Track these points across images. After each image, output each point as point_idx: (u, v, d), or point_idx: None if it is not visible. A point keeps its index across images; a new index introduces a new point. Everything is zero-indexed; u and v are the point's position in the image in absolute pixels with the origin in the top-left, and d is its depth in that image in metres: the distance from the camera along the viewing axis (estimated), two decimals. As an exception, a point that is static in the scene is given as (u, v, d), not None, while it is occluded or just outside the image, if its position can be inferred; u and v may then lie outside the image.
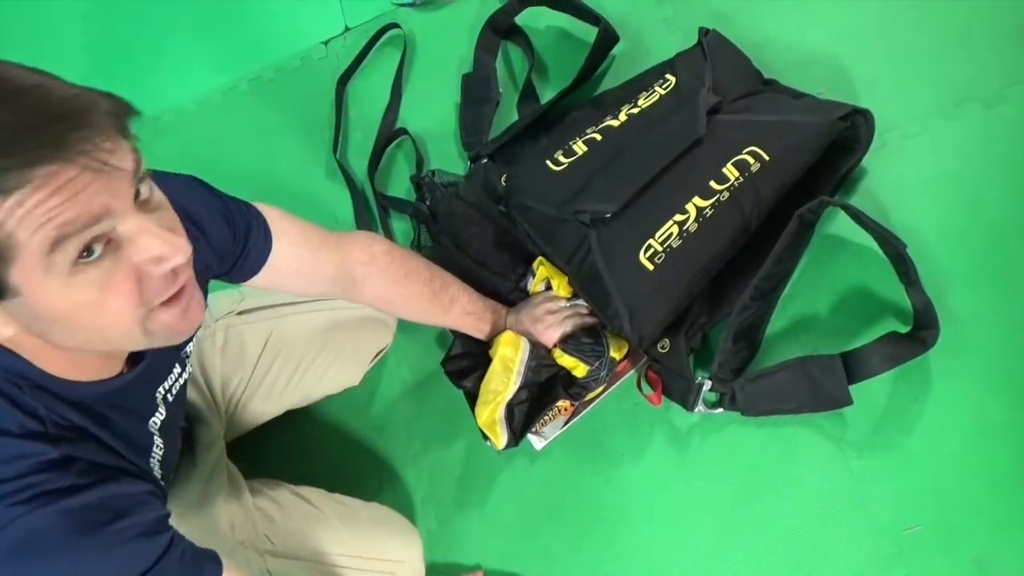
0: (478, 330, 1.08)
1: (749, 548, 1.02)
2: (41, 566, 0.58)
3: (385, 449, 1.21)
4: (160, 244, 0.55)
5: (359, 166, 1.40)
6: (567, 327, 1.06)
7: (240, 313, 1.09)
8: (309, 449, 1.23)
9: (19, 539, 0.57)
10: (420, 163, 1.34)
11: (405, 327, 1.22)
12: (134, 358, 0.71)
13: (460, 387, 1.11)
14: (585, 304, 1.09)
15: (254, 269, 0.84)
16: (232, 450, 1.07)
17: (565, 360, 1.05)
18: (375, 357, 1.18)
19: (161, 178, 0.60)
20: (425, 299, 1.00)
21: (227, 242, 0.80)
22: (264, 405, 1.11)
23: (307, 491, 1.05)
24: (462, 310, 1.04)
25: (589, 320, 1.08)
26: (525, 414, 1.06)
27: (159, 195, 0.58)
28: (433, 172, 1.27)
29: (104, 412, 0.66)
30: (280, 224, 0.85)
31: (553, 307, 1.08)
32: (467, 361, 1.12)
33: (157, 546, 0.65)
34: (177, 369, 0.81)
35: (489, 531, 1.12)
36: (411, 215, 1.29)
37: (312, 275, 0.90)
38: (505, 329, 1.08)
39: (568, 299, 1.10)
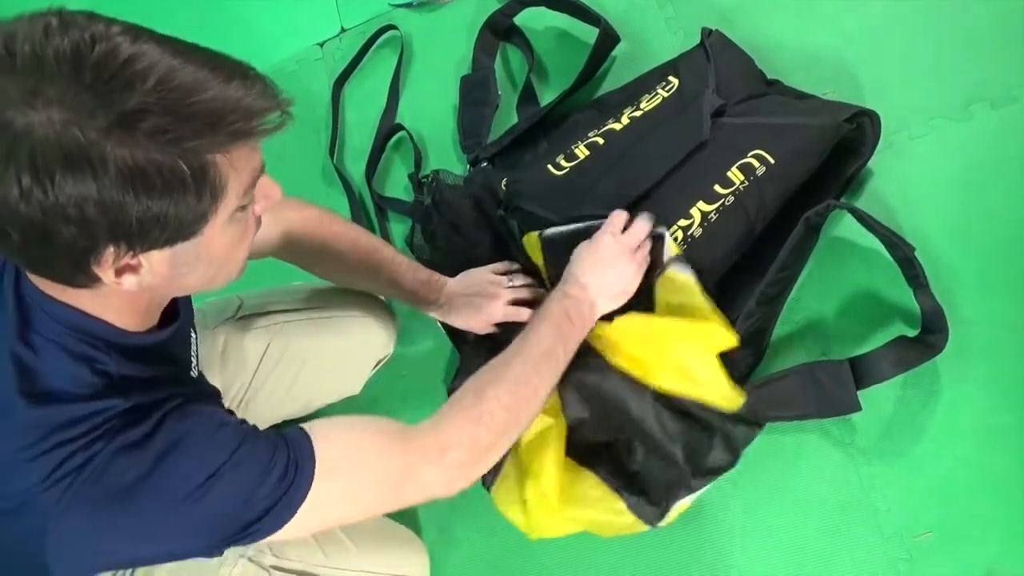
0: (408, 301, 1.07)
1: (756, 556, 1.00)
2: (141, 498, 0.63)
3: (386, 458, 1.19)
4: (277, 187, 0.67)
5: (356, 169, 1.38)
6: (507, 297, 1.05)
7: (239, 319, 1.08)
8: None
9: (113, 482, 0.62)
10: (419, 163, 1.33)
11: (405, 336, 1.21)
12: (170, 316, 0.75)
13: None
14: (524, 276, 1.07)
15: None
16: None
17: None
18: (375, 366, 1.17)
19: None
20: (350, 263, 1.01)
21: None
22: (264, 412, 1.09)
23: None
24: (389, 277, 1.03)
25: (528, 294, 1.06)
26: None
27: None
28: (437, 172, 1.26)
29: (158, 356, 0.71)
30: None
31: (491, 286, 1.07)
32: None
33: (235, 431, 0.68)
34: (194, 334, 0.84)
35: (490, 538, 1.11)
36: (409, 212, 1.28)
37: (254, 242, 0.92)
38: (441, 305, 1.06)
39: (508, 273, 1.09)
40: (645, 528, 0.95)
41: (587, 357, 0.97)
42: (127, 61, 0.53)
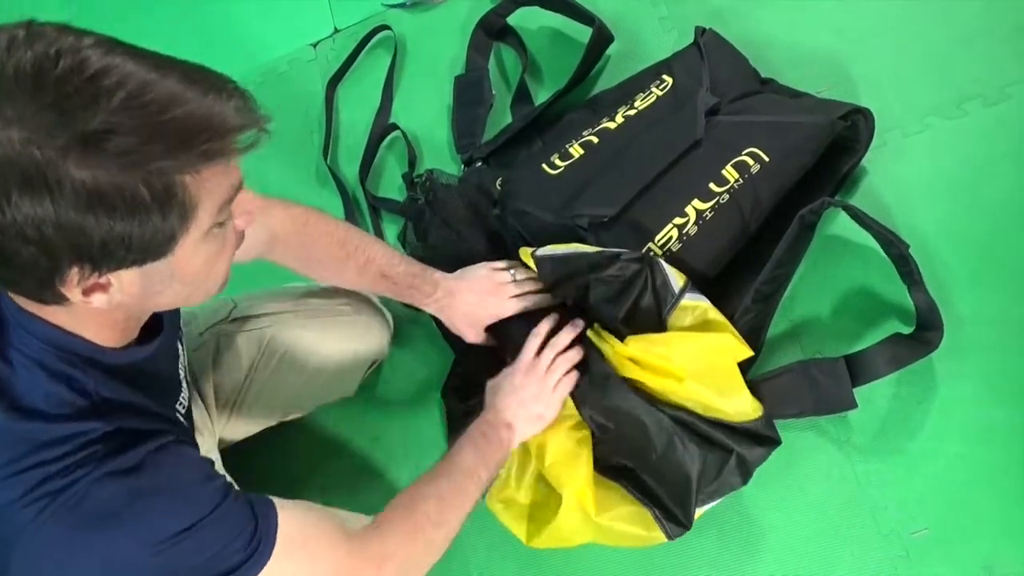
0: (400, 296, 1.05)
1: (753, 554, 1.00)
2: (118, 528, 0.62)
3: (382, 460, 1.19)
4: (255, 200, 0.65)
5: (350, 170, 1.38)
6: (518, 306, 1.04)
7: (232, 321, 1.07)
8: (303, 461, 1.21)
9: (93, 509, 0.61)
10: (413, 162, 1.33)
11: (399, 337, 1.20)
12: (152, 330, 0.74)
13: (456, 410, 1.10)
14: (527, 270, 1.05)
15: None
16: (223, 464, 1.05)
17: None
18: (370, 367, 1.16)
19: None
20: (339, 260, 0.99)
21: None
22: (258, 413, 1.09)
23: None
24: (378, 272, 1.01)
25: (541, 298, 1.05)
26: None
27: None
28: (431, 171, 1.25)
29: (141, 377, 0.70)
30: None
31: (498, 279, 1.05)
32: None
33: (218, 488, 0.68)
34: (180, 346, 0.83)
35: (489, 541, 1.10)
36: (401, 211, 1.27)
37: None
38: (439, 300, 1.04)
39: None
40: (664, 541, 0.94)
41: (606, 376, 0.96)
42: (94, 76, 0.51)
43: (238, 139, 0.56)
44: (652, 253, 0.99)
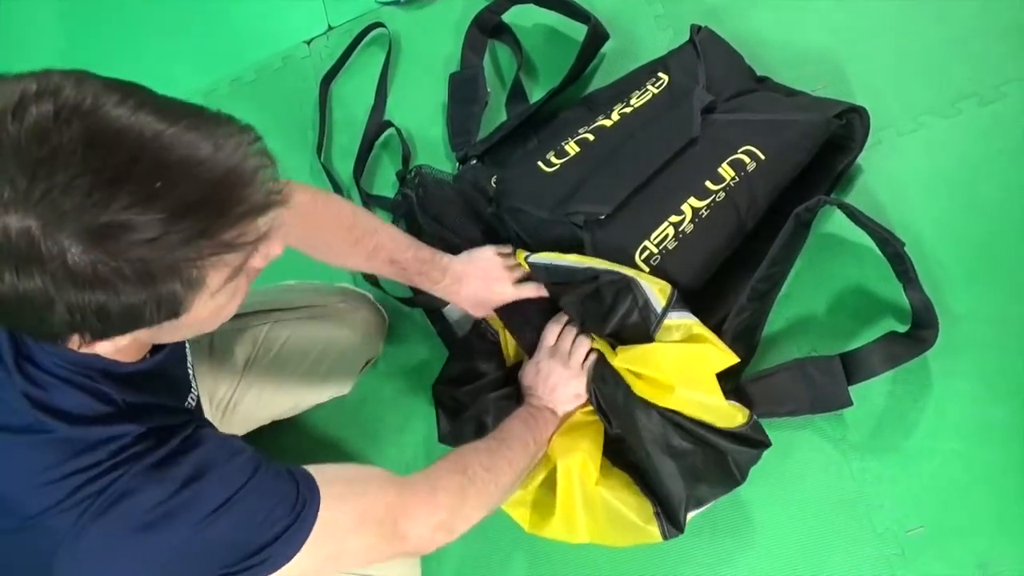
0: (409, 281, 1.04)
1: (749, 552, 1.00)
2: (156, 522, 0.62)
3: (377, 458, 1.18)
4: (279, 247, 0.61)
5: (344, 168, 1.37)
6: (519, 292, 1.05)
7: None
8: (297, 460, 1.19)
9: (131, 506, 0.61)
10: (407, 160, 1.32)
11: (394, 336, 1.20)
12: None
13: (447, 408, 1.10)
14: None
15: None
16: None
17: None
18: (365, 365, 1.16)
19: None
20: (347, 244, 0.98)
21: None
22: (252, 412, 1.09)
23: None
24: (387, 257, 1.00)
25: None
26: None
27: None
28: (421, 167, 1.25)
29: (154, 381, 0.70)
30: None
31: (504, 263, 1.06)
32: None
33: (247, 461, 0.69)
34: (186, 344, 0.84)
35: (483, 539, 1.10)
36: (392, 208, 1.27)
37: None
38: (448, 285, 1.04)
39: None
40: (659, 540, 0.95)
41: (607, 371, 0.98)
42: (105, 149, 0.48)
43: (257, 225, 0.54)
44: (648, 252, 0.98)
